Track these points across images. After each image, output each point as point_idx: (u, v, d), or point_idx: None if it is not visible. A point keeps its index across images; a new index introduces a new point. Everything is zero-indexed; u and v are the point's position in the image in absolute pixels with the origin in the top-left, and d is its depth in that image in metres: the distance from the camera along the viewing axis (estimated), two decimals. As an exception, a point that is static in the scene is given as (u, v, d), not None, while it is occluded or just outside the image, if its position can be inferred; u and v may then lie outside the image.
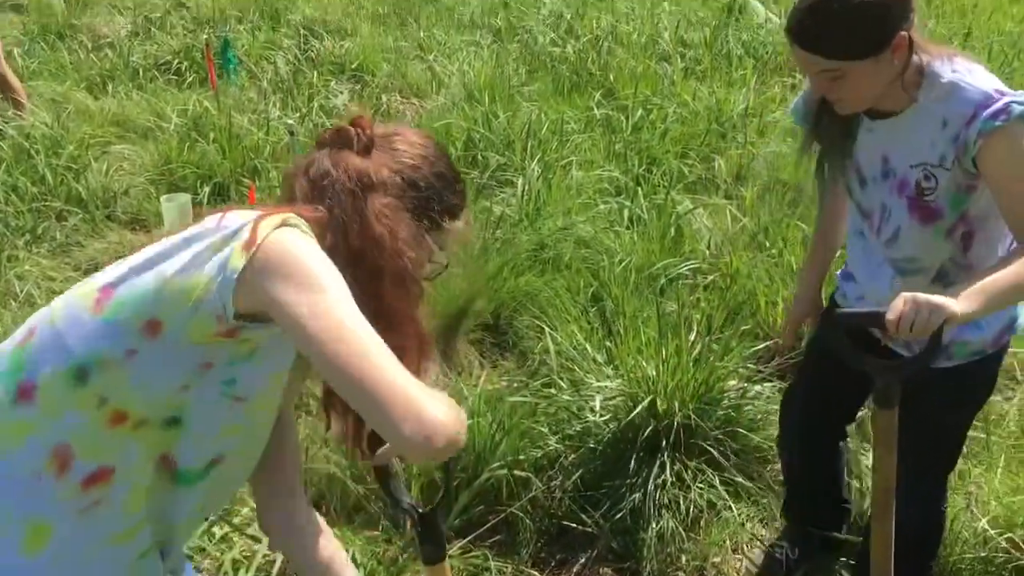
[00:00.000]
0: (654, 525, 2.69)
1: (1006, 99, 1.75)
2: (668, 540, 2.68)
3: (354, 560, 2.42)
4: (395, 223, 1.36)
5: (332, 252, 1.28)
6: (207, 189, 4.87)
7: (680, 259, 3.98)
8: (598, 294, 3.72)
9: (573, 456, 2.91)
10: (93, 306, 1.24)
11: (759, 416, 3.00)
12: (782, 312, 3.44)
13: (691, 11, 7.94)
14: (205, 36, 6.93)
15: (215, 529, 2.56)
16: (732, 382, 3.05)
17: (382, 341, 1.18)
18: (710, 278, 3.90)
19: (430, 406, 1.15)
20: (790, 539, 2.61)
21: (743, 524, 2.78)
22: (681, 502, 2.75)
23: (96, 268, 2.15)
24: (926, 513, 2.19)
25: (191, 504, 1.36)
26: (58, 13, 8.09)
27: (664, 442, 2.82)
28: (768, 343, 3.31)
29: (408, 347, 1.33)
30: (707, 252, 4.12)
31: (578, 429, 2.96)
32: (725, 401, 2.97)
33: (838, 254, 2.42)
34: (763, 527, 2.79)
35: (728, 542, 2.73)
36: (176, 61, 6.83)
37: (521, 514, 2.74)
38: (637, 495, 2.74)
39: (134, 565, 1.31)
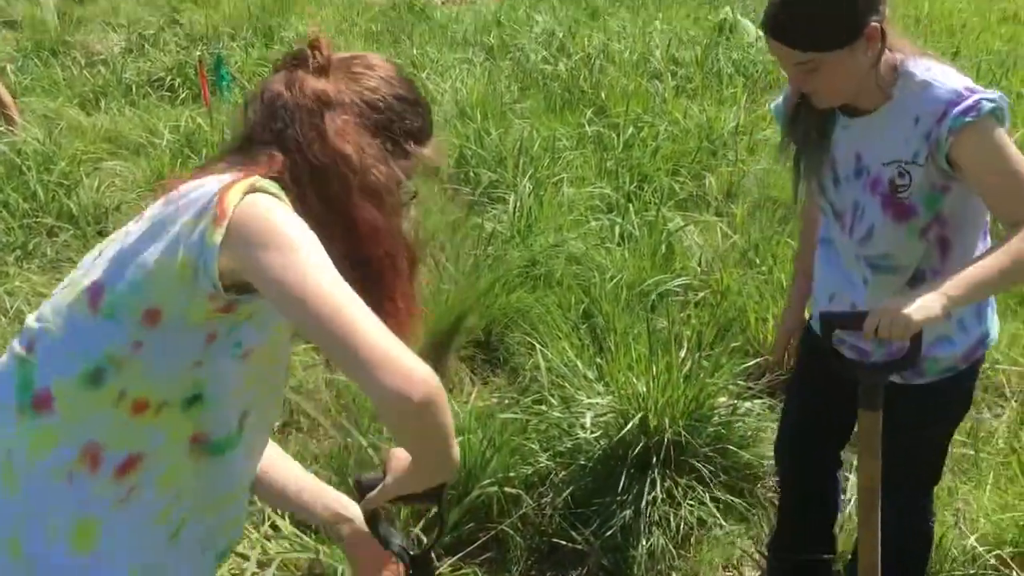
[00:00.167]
0: (644, 542, 2.69)
1: (976, 96, 1.79)
2: (659, 557, 2.68)
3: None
4: (358, 138, 1.32)
5: (294, 180, 1.26)
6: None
7: (671, 276, 3.99)
8: (589, 311, 3.72)
9: (564, 473, 2.91)
10: (88, 307, 1.23)
11: (749, 433, 3.01)
12: (772, 329, 3.45)
13: (682, 30, 7.99)
14: (198, 53, 6.95)
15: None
16: (722, 399, 3.06)
17: (358, 297, 1.16)
18: (701, 295, 3.92)
19: (408, 358, 1.12)
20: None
21: (733, 541, 2.78)
22: (672, 519, 2.75)
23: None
24: (904, 524, 2.18)
25: (238, 466, 1.37)
26: (52, 30, 8.11)
27: (655, 459, 2.82)
28: (758, 360, 3.32)
29: (397, 257, 1.32)
30: (698, 269, 4.14)
31: (569, 446, 2.96)
32: (715, 418, 2.98)
33: None
34: (753, 544, 2.79)
35: (718, 559, 2.73)
36: (169, 78, 6.85)
37: (511, 531, 2.74)
38: (628, 512, 2.74)
39: (176, 544, 1.32)
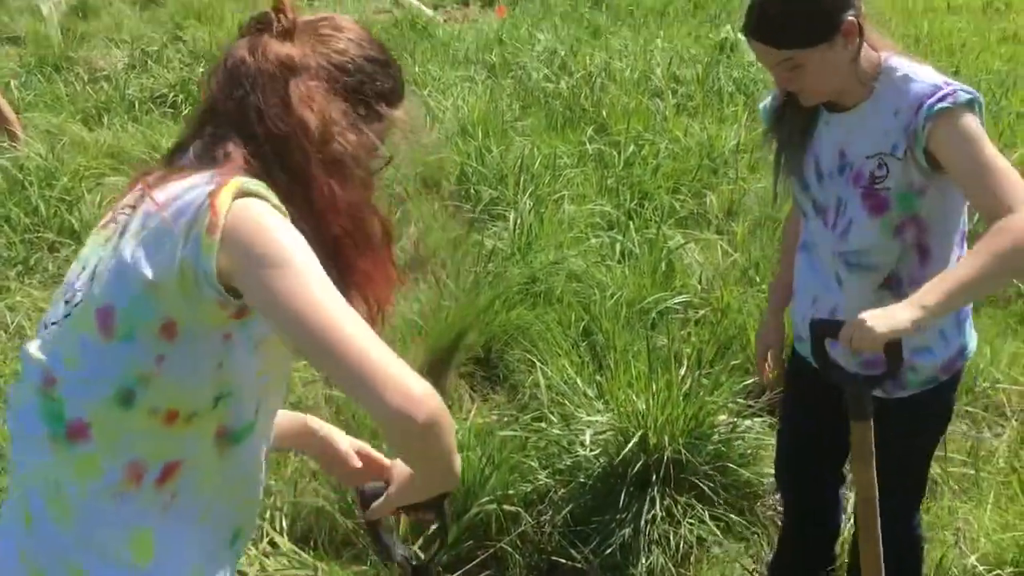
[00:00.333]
0: (644, 561, 2.68)
1: (952, 87, 1.84)
2: (658, 576, 2.67)
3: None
4: (324, 106, 1.27)
5: (258, 158, 1.23)
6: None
7: (671, 293, 3.99)
8: (589, 328, 3.72)
9: (563, 491, 2.91)
10: (101, 333, 1.21)
11: (749, 451, 3.00)
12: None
13: (683, 48, 8.02)
14: (201, 69, 6.97)
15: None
16: (722, 417, 3.05)
17: (355, 312, 1.15)
18: (701, 313, 3.92)
19: (409, 377, 1.12)
20: None
21: (734, 560, 2.77)
22: (671, 538, 2.74)
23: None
24: (896, 532, 2.17)
25: (254, 450, 1.37)
26: (55, 46, 8.13)
27: (654, 477, 2.82)
28: (758, 378, 3.31)
29: (358, 233, 1.28)
30: (698, 287, 4.14)
31: (568, 463, 2.95)
32: (715, 436, 2.97)
33: None
34: (754, 563, 2.78)
35: (718, 578, 2.72)
36: (172, 94, 6.86)
37: (510, 549, 2.73)
38: (627, 530, 2.73)
39: (216, 536, 1.34)
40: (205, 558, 1.32)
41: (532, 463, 2.95)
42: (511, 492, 2.84)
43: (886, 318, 1.69)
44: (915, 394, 2.05)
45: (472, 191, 5.13)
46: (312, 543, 2.69)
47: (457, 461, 1.23)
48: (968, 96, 1.82)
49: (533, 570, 2.75)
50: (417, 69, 7.53)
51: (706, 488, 2.85)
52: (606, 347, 3.53)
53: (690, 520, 2.79)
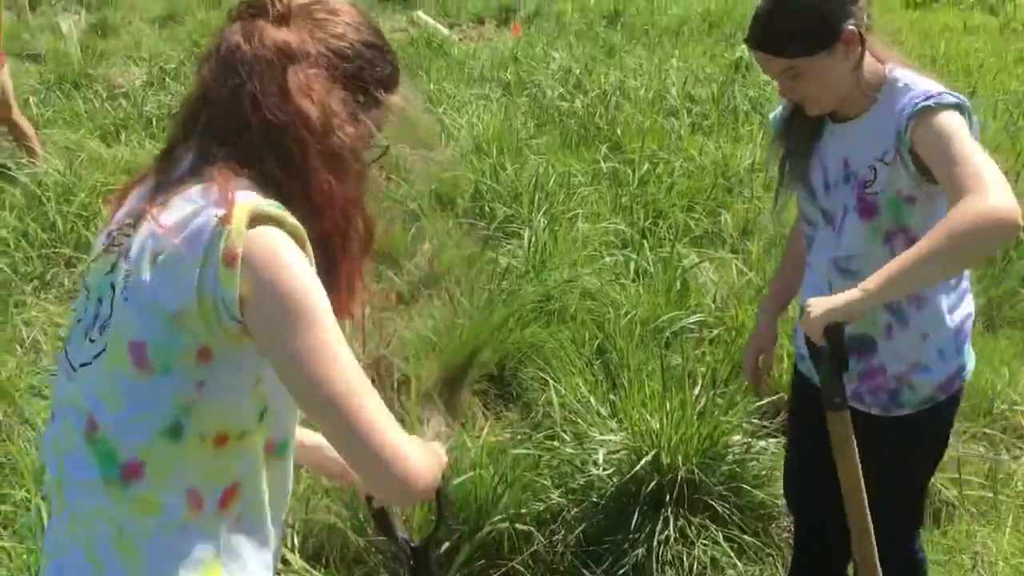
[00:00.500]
0: (657, 582, 2.66)
1: (940, 89, 1.84)
2: (671, 597, 2.65)
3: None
4: (324, 96, 1.23)
5: (249, 145, 1.20)
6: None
7: (685, 312, 3.97)
8: (603, 346, 3.71)
9: (576, 510, 2.89)
10: (136, 369, 1.18)
11: (764, 472, 2.98)
12: (788, 368, 3.42)
13: (699, 67, 8.03)
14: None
15: None
16: (736, 437, 3.03)
17: (365, 377, 1.16)
18: (715, 332, 3.90)
19: (415, 460, 1.18)
20: None
21: (747, 582, 2.74)
22: (684, 559, 2.72)
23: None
24: (894, 553, 2.14)
25: (290, 461, 1.37)
26: (74, 63, 8.22)
27: (668, 497, 2.80)
28: (773, 398, 3.29)
29: (349, 231, 1.26)
30: (712, 306, 4.12)
31: (581, 483, 2.94)
32: (729, 456, 2.95)
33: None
34: (768, 585, 2.76)
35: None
36: (189, 111, 6.91)
37: (523, 569, 2.71)
38: (640, 551, 2.71)
39: (271, 548, 1.34)
40: (270, 570, 1.33)
41: (545, 482, 2.94)
42: (523, 511, 2.82)
43: (824, 303, 1.71)
44: (912, 413, 2.04)
45: (486, 209, 5.14)
46: (324, 560, 2.68)
47: (439, 475, 1.30)
48: (954, 99, 1.82)
49: (545, 590, 2.73)
50: (432, 87, 7.58)
51: (720, 509, 2.82)
52: (620, 366, 3.52)
53: (704, 541, 2.76)
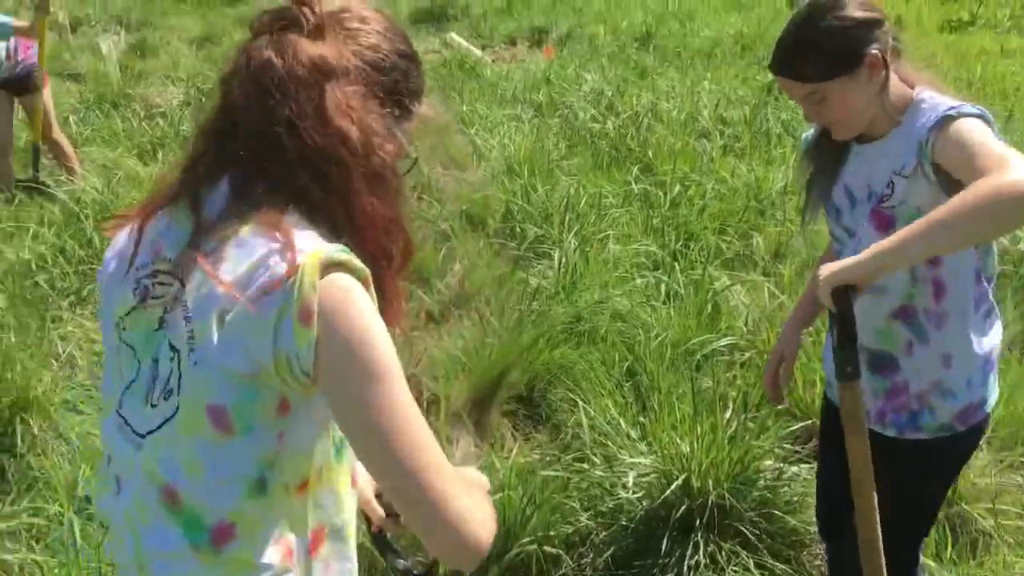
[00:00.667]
0: (686, 608, 2.63)
1: (963, 103, 1.83)
2: (701, 624, 2.62)
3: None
4: (363, 114, 1.17)
5: (289, 173, 1.14)
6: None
7: (717, 335, 3.95)
8: (633, 368, 3.69)
9: (605, 533, 2.87)
10: (217, 432, 1.14)
11: (796, 498, 2.94)
12: (820, 393, 3.39)
13: (731, 90, 8.02)
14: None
15: None
16: (768, 462, 3.00)
17: (429, 429, 1.13)
18: (747, 355, 3.87)
19: (478, 524, 1.14)
20: None
21: (778, 610, 2.71)
22: (714, 585, 2.69)
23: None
24: (899, 557, 2.11)
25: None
26: (114, 83, 8.38)
27: (698, 521, 2.77)
28: (806, 423, 3.26)
29: (392, 250, 1.21)
30: (744, 329, 4.09)
31: (610, 506, 2.92)
32: (761, 481, 2.92)
33: None
34: (799, 613, 2.72)
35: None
36: (225, 131, 6.99)
37: (550, 592, 2.70)
38: (669, 576, 2.68)
39: None
40: None
41: (574, 504, 2.92)
42: (552, 533, 2.81)
43: (833, 265, 1.73)
44: (929, 439, 2.02)
45: (517, 229, 5.15)
46: None
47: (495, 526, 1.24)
48: (976, 110, 1.81)
49: (573, 614, 2.71)
50: (465, 108, 7.62)
51: (751, 535, 2.79)
52: (650, 388, 3.50)
53: (734, 568, 2.73)
